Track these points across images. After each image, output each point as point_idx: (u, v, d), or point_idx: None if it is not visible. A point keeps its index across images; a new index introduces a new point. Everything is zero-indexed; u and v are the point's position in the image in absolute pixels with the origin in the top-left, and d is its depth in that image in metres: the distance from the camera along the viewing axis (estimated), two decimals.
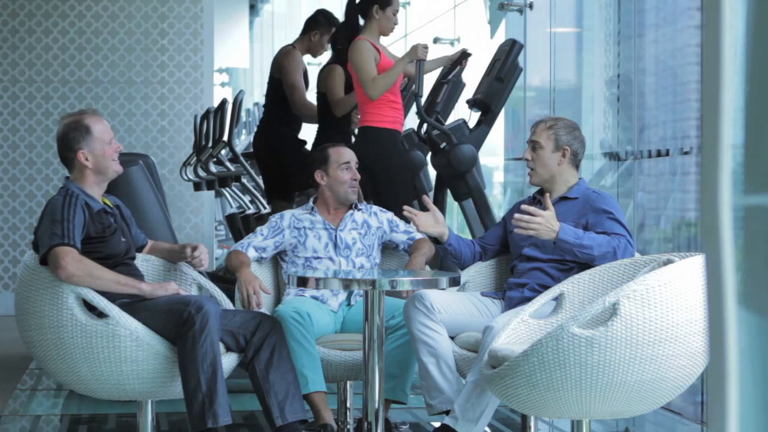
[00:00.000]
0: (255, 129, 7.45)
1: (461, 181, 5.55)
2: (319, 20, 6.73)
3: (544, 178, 4.31)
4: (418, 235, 4.75)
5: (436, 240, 4.45)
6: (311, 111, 6.54)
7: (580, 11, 6.81)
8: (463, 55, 5.73)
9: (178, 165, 9.16)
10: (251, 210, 8.72)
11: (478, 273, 4.54)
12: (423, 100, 5.69)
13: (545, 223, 4.07)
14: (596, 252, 4.06)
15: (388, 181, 5.56)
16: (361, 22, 5.81)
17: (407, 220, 4.74)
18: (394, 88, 5.57)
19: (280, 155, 6.65)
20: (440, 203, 5.83)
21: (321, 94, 6.37)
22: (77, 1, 9.09)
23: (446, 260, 5.21)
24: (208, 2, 9.23)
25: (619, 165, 5.84)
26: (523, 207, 4.14)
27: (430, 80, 6.17)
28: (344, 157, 4.75)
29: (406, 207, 4.42)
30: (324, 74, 6.36)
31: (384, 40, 5.86)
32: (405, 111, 6.05)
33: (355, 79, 5.66)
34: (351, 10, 5.85)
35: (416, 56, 5.47)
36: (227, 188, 9.46)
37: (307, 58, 6.84)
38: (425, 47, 5.48)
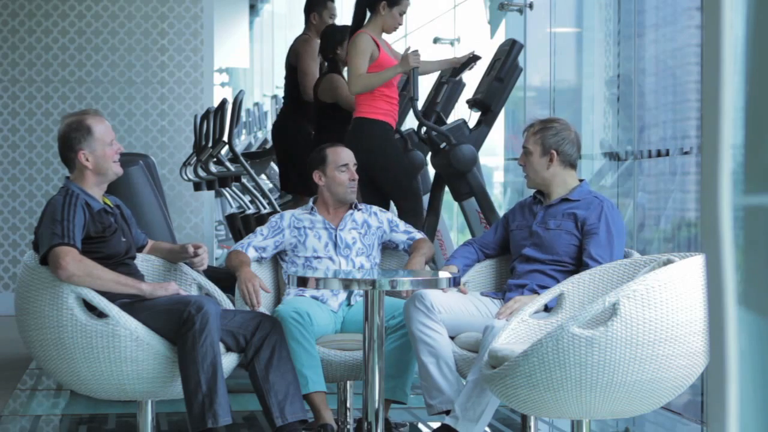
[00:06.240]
0: (265, 125, 7.43)
1: (462, 180, 5.55)
2: (312, 2, 6.80)
3: (537, 182, 4.39)
4: (418, 235, 4.75)
5: None
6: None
7: (580, 11, 6.80)
8: (473, 58, 5.70)
9: (178, 165, 9.15)
10: (251, 210, 8.71)
11: (478, 273, 4.55)
12: (423, 99, 5.67)
13: (518, 304, 4.13)
14: None
15: (384, 171, 5.55)
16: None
17: (412, 211, 4.76)
18: (390, 82, 5.56)
19: (294, 150, 6.67)
20: (437, 203, 5.83)
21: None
22: (77, 1, 9.09)
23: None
24: (208, 2, 9.23)
25: (619, 165, 5.84)
26: (498, 313, 4.17)
27: (430, 78, 6.17)
28: (342, 158, 4.75)
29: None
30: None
31: (386, 38, 5.85)
32: (403, 114, 6.03)
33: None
34: (360, 3, 5.84)
35: (409, 67, 5.44)
36: (227, 188, 9.45)
37: None
38: (416, 53, 5.44)
